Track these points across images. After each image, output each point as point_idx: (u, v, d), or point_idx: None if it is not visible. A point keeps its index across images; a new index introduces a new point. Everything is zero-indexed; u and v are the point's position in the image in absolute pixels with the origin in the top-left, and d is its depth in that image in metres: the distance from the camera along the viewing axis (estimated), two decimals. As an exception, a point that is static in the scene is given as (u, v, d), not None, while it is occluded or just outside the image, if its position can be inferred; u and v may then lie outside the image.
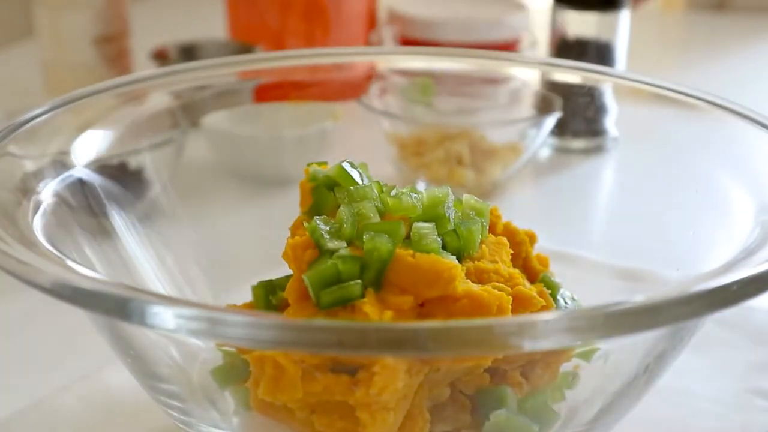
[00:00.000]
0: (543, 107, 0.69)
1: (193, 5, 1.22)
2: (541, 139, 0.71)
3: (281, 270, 0.44)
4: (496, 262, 0.43)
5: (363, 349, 0.33)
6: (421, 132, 0.72)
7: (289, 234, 0.44)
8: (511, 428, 0.41)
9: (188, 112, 0.61)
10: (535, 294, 0.42)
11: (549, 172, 0.76)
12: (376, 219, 0.42)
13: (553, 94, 0.66)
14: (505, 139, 0.72)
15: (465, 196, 0.44)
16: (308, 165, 0.45)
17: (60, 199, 0.45)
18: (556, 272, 0.48)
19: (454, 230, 0.42)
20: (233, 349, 0.42)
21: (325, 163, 0.45)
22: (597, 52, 0.82)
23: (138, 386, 0.45)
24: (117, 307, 0.34)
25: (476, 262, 0.43)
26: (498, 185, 0.72)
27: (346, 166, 0.44)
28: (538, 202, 0.73)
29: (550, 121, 0.69)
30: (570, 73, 0.60)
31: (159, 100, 0.57)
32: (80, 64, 0.90)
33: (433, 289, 0.40)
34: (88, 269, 0.38)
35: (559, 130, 0.73)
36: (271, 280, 0.45)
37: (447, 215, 0.42)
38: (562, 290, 0.46)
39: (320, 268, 0.40)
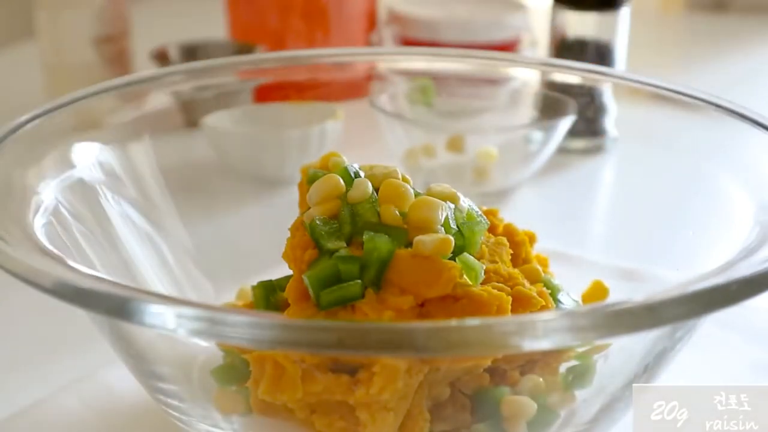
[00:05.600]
0: (548, 110, 0.68)
1: (193, 5, 1.22)
2: (552, 143, 0.70)
3: (281, 270, 0.44)
4: (496, 262, 0.43)
5: (363, 349, 0.33)
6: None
7: (289, 234, 0.44)
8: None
9: (188, 112, 0.61)
10: (535, 294, 0.42)
11: (549, 172, 0.76)
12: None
13: (564, 96, 0.65)
14: (508, 143, 0.72)
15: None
16: (304, 167, 0.45)
17: (60, 198, 0.45)
18: (556, 272, 0.48)
19: (459, 229, 0.42)
20: (233, 349, 0.42)
21: (320, 161, 0.45)
22: (596, 53, 0.82)
23: (138, 386, 0.45)
24: (117, 307, 0.34)
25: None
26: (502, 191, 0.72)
27: (350, 168, 0.44)
28: (538, 202, 0.73)
29: (564, 124, 0.68)
30: (570, 73, 0.60)
31: (159, 100, 0.57)
32: (80, 65, 0.90)
33: (433, 289, 0.40)
34: (89, 269, 0.38)
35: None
36: (271, 280, 0.45)
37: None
38: (562, 291, 0.46)
39: (320, 268, 0.40)
